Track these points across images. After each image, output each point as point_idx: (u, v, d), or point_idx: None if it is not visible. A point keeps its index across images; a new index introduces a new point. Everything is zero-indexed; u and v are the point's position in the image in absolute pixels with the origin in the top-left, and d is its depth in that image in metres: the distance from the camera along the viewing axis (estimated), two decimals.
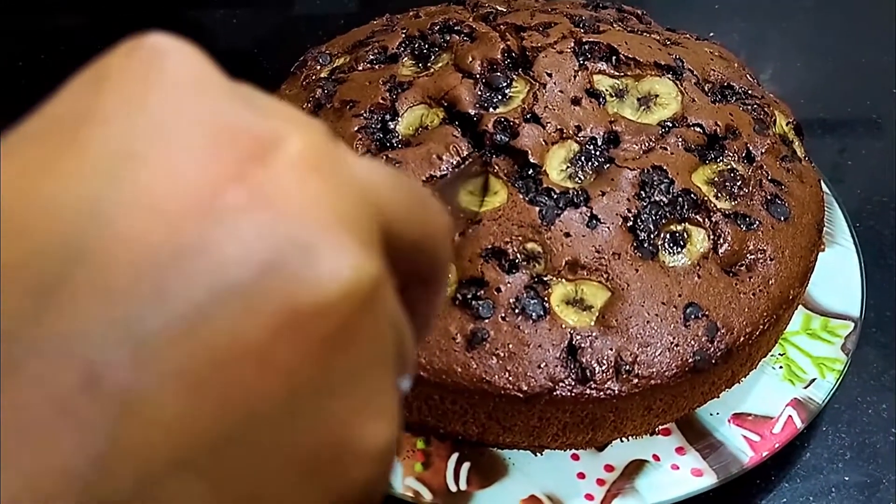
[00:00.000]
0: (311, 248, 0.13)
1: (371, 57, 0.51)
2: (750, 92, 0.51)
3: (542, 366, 0.39)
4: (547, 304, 0.40)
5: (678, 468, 0.43)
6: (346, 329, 0.13)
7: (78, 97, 0.14)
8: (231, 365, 0.12)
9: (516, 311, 0.39)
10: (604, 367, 0.39)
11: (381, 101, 0.47)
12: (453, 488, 0.41)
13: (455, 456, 0.43)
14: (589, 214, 0.42)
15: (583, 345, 0.39)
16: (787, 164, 0.48)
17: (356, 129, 0.46)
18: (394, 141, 0.46)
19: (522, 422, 0.40)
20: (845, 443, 0.48)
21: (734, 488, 0.43)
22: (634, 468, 0.43)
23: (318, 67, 0.54)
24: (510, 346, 0.39)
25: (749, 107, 0.50)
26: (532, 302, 0.40)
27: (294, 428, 0.13)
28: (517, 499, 0.41)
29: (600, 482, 0.42)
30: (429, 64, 0.49)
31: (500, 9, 0.55)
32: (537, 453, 0.43)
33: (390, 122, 0.46)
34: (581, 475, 0.42)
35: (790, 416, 0.45)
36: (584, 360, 0.39)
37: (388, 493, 0.41)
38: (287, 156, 0.13)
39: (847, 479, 0.47)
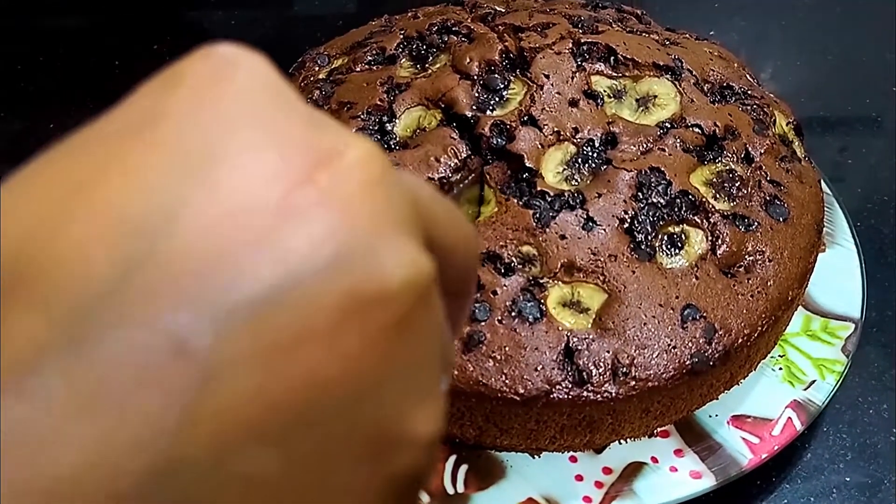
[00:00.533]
0: (374, 244, 0.14)
1: (369, 58, 0.51)
2: (749, 92, 0.51)
3: (538, 368, 0.39)
4: (543, 307, 0.40)
5: (676, 470, 0.42)
6: (405, 320, 0.14)
7: (151, 99, 0.15)
8: (301, 347, 0.13)
9: (513, 313, 0.39)
10: (601, 370, 0.39)
11: (379, 103, 0.47)
12: (451, 490, 0.41)
13: (452, 458, 0.43)
14: (585, 217, 0.41)
15: (579, 347, 0.39)
16: (787, 164, 0.48)
17: (354, 130, 0.46)
18: (391, 143, 0.46)
19: (520, 424, 0.40)
20: (846, 443, 0.48)
21: (734, 489, 0.43)
22: (632, 470, 0.43)
23: (317, 69, 0.54)
24: (507, 348, 0.39)
25: (748, 107, 0.49)
26: (528, 304, 0.39)
27: (357, 411, 0.14)
28: (515, 501, 0.41)
29: (598, 484, 0.42)
30: (427, 65, 0.49)
31: (498, 9, 0.55)
32: (535, 455, 0.43)
33: (388, 124, 0.46)
34: (579, 477, 0.42)
35: (790, 417, 0.45)
36: (580, 363, 0.39)
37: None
38: (349, 163, 0.14)
39: (848, 479, 0.46)
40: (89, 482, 0.12)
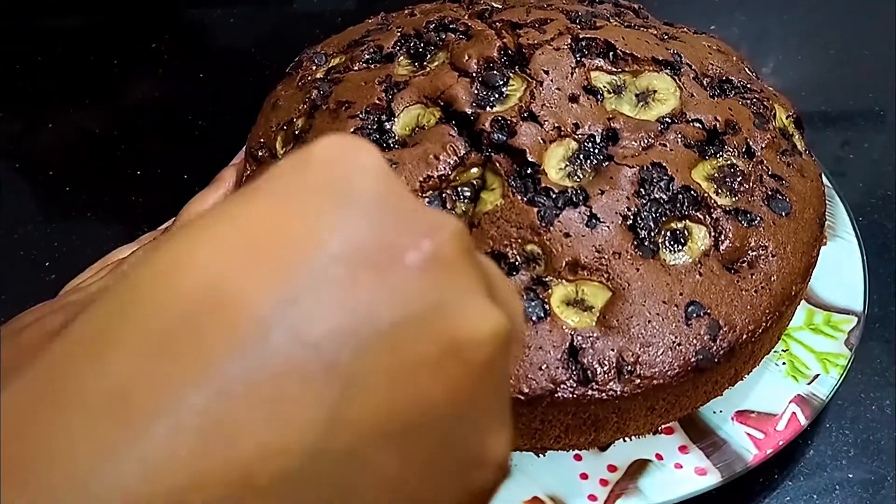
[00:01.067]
0: (467, 300, 0.18)
1: (366, 56, 0.51)
2: (749, 86, 0.50)
3: (542, 368, 0.38)
4: (547, 306, 0.39)
5: (681, 467, 0.42)
6: (489, 362, 0.18)
7: (287, 174, 0.19)
8: (417, 371, 0.17)
9: None
10: (605, 368, 0.39)
11: (377, 102, 0.46)
12: None
13: None
14: (588, 214, 0.41)
15: (584, 346, 0.39)
16: (788, 158, 0.48)
17: (352, 130, 0.45)
18: (390, 141, 0.45)
19: (524, 424, 0.40)
20: (849, 440, 0.48)
21: (737, 486, 0.43)
22: (637, 468, 0.42)
23: (314, 68, 0.53)
24: None
25: (748, 101, 0.49)
26: (532, 304, 0.39)
27: (454, 430, 0.18)
28: (520, 500, 0.41)
29: (603, 482, 0.42)
30: (425, 63, 0.49)
31: (495, 5, 0.55)
32: (539, 454, 0.43)
33: (386, 123, 0.46)
34: (584, 476, 0.42)
35: (794, 412, 0.45)
36: (585, 362, 0.39)
37: None
38: (448, 235, 0.18)
39: (851, 476, 0.46)
40: (268, 459, 0.15)
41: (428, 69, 0.48)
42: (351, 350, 0.16)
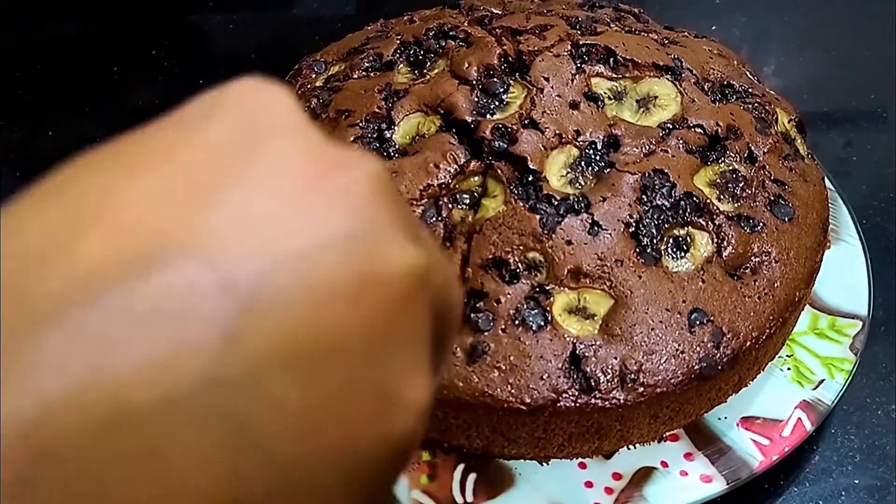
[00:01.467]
0: (384, 235, 0.17)
1: (366, 64, 0.51)
2: (750, 90, 0.50)
3: (544, 377, 0.38)
4: (548, 314, 0.39)
5: (687, 474, 0.42)
6: (407, 297, 0.17)
7: (199, 112, 0.19)
8: (328, 299, 0.16)
9: (516, 322, 0.39)
10: (608, 377, 0.38)
11: (377, 110, 0.46)
12: (459, 500, 0.41)
13: (461, 467, 0.42)
14: (590, 221, 0.41)
15: (586, 354, 0.39)
16: (790, 163, 0.47)
17: (352, 139, 0.45)
18: (390, 150, 0.45)
19: (527, 434, 0.40)
20: (854, 445, 0.48)
21: (743, 493, 0.42)
22: (642, 475, 0.42)
23: (313, 76, 0.53)
24: (511, 358, 0.38)
25: (750, 105, 0.49)
26: (532, 312, 0.39)
27: (366, 365, 0.17)
28: None
29: (608, 490, 0.42)
30: (425, 70, 0.49)
31: (495, 11, 0.55)
32: (544, 463, 0.42)
33: (386, 132, 0.46)
34: (589, 484, 0.42)
35: (799, 418, 0.44)
36: (587, 370, 0.38)
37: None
38: (363, 170, 0.18)
39: (857, 482, 0.46)
40: (148, 383, 0.14)
41: (428, 77, 0.48)
42: (253, 270, 0.16)
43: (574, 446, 0.41)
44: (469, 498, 0.41)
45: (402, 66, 0.50)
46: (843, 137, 0.66)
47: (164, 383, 0.15)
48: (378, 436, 0.17)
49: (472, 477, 0.42)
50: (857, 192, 0.60)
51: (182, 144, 0.17)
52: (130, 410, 0.14)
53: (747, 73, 0.52)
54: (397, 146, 0.45)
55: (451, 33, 0.50)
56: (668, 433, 0.43)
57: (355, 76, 0.50)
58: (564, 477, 0.42)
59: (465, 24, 0.52)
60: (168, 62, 0.76)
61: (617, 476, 0.42)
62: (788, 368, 0.46)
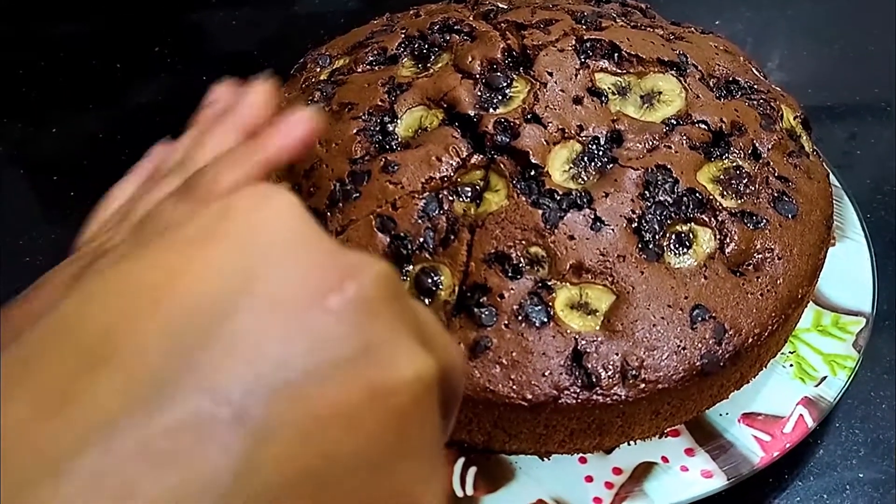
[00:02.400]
0: (391, 344, 0.18)
1: (370, 58, 0.51)
2: (756, 86, 0.50)
3: (546, 374, 0.38)
4: (551, 311, 0.39)
5: (687, 470, 0.42)
6: (414, 407, 0.18)
7: (208, 221, 0.19)
8: (336, 424, 0.17)
9: (519, 318, 0.39)
10: (610, 373, 0.38)
11: (380, 103, 0.46)
12: (460, 494, 0.41)
13: (461, 461, 0.42)
14: (593, 216, 0.41)
15: (588, 350, 0.39)
16: (795, 159, 0.47)
17: (355, 131, 0.45)
18: (393, 143, 0.45)
19: (528, 429, 0.40)
20: (859, 439, 0.48)
21: (746, 487, 0.43)
22: (643, 470, 0.42)
23: (318, 69, 0.53)
24: (514, 354, 0.38)
25: (755, 102, 0.49)
26: (536, 308, 0.39)
27: (373, 479, 0.17)
28: (525, 503, 0.41)
29: (608, 485, 0.42)
30: (429, 64, 0.49)
31: (500, 6, 0.54)
32: (544, 458, 0.43)
33: (389, 125, 0.46)
34: (589, 478, 0.42)
35: (801, 414, 0.44)
36: (589, 366, 0.38)
37: None
38: (371, 278, 0.18)
39: (861, 476, 0.46)
40: None
41: (431, 71, 0.48)
42: (260, 399, 0.16)
43: (575, 442, 0.41)
44: (469, 491, 0.41)
45: (406, 59, 0.50)
46: (847, 131, 0.66)
47: None
48: None
49: (472, 470, 0.42)
50: (861, 186, 0.59)
51: (183, 275, 0.17)
52: None
53: (753, 69, 0.52)
54: (400, 139, 0.45)
55: (455, 27, 0.50)
56: (669, 429, 0.43)
57: (359, 70, 0.50)
58: (565, 471, 0.42)
59: (471, 18, 0.52)
60: (171, 59, 0.76)
61: (617, 471, 0.42)
62: (791, 365, 0.46)
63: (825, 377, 0.46)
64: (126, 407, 0.15)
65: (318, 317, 0.17)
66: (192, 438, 0.15)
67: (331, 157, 0.45)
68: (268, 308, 0.17)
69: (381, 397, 0.17)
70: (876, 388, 0.50)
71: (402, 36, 0.51)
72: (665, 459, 0.43)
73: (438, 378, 0.19)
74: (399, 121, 0.46)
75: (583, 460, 0.43)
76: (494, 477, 0.42)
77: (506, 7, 0.53)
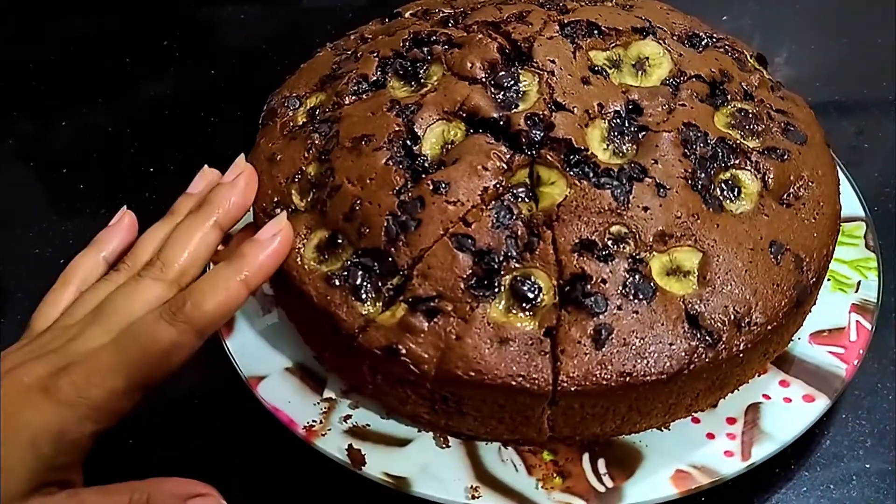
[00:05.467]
0: None
1: (353, 88, 0.49)
2: (715, 36, 0.53)
3: (672, 343, 0.38)
4: (652, 282, 0.39)
5: (791, 400, 0.44)
6: None
7: None
8: None
9: (629, 296, 0.39)
10: (726, 326, 0.39)
11: (397, 128, 0.44)
12: (601, 488, 0.41)
13: (586, 456, 0.42)
14: (654, 184, 0.42)
15: (699, 310, 0.39)
16: (778, 93, 0.50)
17: (384, 161, 0.43)
18: (425, 164, 0.44)
19: (661, 403, 0.40)
20: (865, 430, 0.47)
21: (755, 478, 0.42)
22: (753, 413, 0.43)
23: (290, 112, 0.50)
24: (636, 332, 0.38)
25: (722, 50, 0.51)
26: (639, 284, 0.39)
27: None
28: (666, 478, 0.41)
29: (730, 436, 0.42)
30: (421, 80, 0.47)
31: (446, 11, 0.54)
32: (663, 429, 0.43)
33: (413, 147, 0.44)
34: (710, 435, 0.43)
35: (857, 321, 0.47)
36: (706, 325, 0.39)
37: None
38: None
39: (868, 466, 0.46)
40: None
41: (429, 85, 0.47)
42: None
43: (700, 403, 0.42)
44: (609, 483, 0.41)
45: (392, 81, 0.48)
46: (855, 126, 0.66)
47: None
48: None
49: (601, 462, 0.42)
50: (870, 181, 0.59)
51: None
52: None
53: (701, 24, 0.55)
54: (429, 158, 0.44)
55: (431, 39, 0.49)
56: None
57: (347, 102, 0.48)
58: (686, 436, 0.43)
59: (436, 28, 0.51)
60: (180, 54, 0.76)
61: (731, 420, 0.43)
62: (828, 279, 0.49)
63: (859, 281, 0.49)
64: None
65: None
66: None
67: (370, 193, 0.42)
68: None
69: None
70: (882, 380, 0.50)
71: (377, 60, 0.49)
72: (767, 396, 0.44)
73: None
74: (422, 140, 0.44)
75: (695, 420, 0.43)
76: (624, 462, 0.42)
77: (461, 10, 0.53)
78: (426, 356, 0.38)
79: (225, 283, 0.39)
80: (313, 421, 0.43)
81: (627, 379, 0.38)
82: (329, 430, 0.43)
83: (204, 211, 0.43)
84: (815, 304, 0.46)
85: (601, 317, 0.38)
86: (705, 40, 0.52)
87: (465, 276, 0.39)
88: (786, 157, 0.45)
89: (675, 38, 0.51)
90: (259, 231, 0.43)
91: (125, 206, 0.45)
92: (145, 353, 0.36)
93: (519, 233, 0.40)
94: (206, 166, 0.47)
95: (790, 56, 0.75)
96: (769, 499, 0.44)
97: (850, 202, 0.53)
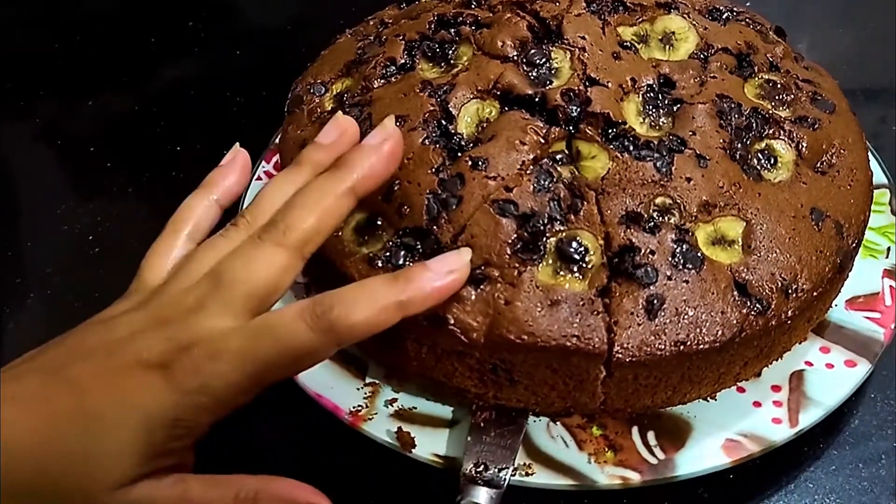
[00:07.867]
0: None
1: (381, 71, 0.48)
2: (735, 9, 0.53)
3: (723, 311, 0.39)
4: (700, 253, 0.40)
5: (833, 366, 0.44)
6: None
7: None
8: None
9: (679, 266, 0.39)
10: (774, 293, 0.39)
11: (431, 108, 0.44)
12: (653, 460, 0.41)
13: (635, 429, 0.42)
14: (695, 155, 0.42)
15: (746, 278, 0.39)
16: (802, 63, 0.50)
17: (421, 141, 0.43)
18: (461, 143, 0.43)
19: (712, 372, 0.40)
20: (894, 409, 0.47)
21: (783, 455, 0.43)
22: (797, 380, 0.44)
23: (317, 99, 0.50)
24: (687, 301, 0.38)
25: (743, 22, 0.52)
26: (688, 254, 0.39)
27: None
28: (717, 447, 0.41)
29: (777, 403, 0.43)
30: (451, 61, 0.47)
31: None
32: (709, 399, 0.43)
33: (449, 126, 0.44)
34: (756, 404, 0.43)
35: (891, 286, 0.47)
36: (754, 293, 0.39)
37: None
38: None
39: None
40: None
41: (460, 65, 0.47)
42: None
43: (747, 371, 0.42)
44: (660, 455, 0.41)
45: (421, 63, 0.48)
46: (879, 112, 0.66)
47: None
48: None
49: (650, 435, 0.42)
50: (892, 167, 0.57)
51: None
52: None
53: None
54: (465, 137, 0.44)
55: (457, 20, 0.49)
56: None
57: (376, 85, 0.48)
58: (733, 406, 0.43)
59: (461, 9, 0.50)
60: (204, 34, 0.77)
61: (776, 388, 0.43)
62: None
63: (889, 248, 0.49)
64: None
65: None
66: None
67: (409, 173, 0.42)
68: None
69: None
70: None
71: (403, 43, 0.49)
72: (809, 363, 0.44)
73: None
74: (457, 120, 0.44)
75: (741, 390, 0.43)
76: (674, 433, 0.42)
77: None
78: (475, 324, 0.38)
79: (382, 301, 0.34)
80: (358, 406, 0.43)
81: (682, 348, 0.38)
82: (375, 413, 0.43)
83: (341, 172, 0.37)
84: (851, 269, 0.46)
85: (652, 287, 0.38)
86: (726, 14, 0.52)
87: (510, 242, 0.39)
88: (817, 125, 0.46)
89: (697, 11, 0.51)
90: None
91: (238, 144, 0.41)
92: (278, 352, 0.33)
93: (562, 195, 0.40)
94: (339, 113, 0.42)
95: (813, 42, 0.74)
96: (798, 476, 0.44)
97: (874, 170, 0.53)
